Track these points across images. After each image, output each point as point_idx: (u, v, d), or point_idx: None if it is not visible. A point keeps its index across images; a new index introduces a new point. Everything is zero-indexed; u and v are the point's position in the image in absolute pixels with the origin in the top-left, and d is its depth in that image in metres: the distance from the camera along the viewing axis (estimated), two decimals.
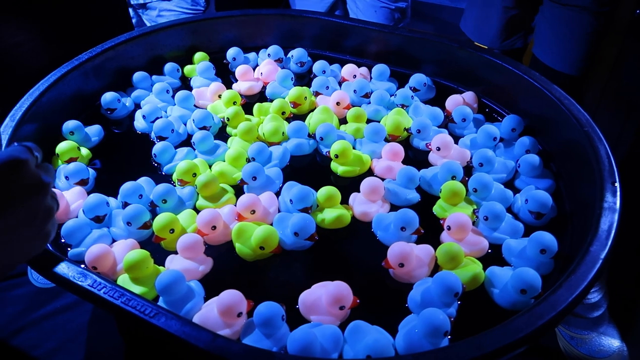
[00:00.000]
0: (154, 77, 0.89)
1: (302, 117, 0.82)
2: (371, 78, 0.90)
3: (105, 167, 0.75)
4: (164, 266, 0.59)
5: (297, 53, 0.92)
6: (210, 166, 0.72)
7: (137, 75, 0.87)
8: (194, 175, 0.67)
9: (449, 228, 0.60)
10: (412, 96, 0.82)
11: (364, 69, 0.91)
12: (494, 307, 0.55)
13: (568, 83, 1.32)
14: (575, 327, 0.74)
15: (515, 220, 0.63)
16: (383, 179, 0.69)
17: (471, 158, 0.71)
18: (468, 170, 0.71)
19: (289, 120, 0.80)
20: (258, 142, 0.73)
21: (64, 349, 0.68)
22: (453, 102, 0.81)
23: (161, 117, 0.79)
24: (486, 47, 1.68)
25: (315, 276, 0.58)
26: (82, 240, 0.61)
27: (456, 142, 0.75)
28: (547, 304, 0.45)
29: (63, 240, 0.61)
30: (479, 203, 0.65)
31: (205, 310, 0.53)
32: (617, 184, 0.57)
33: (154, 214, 0.64)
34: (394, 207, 0.67)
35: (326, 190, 0.64)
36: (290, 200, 0.64)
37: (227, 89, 0.86)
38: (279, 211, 0.66)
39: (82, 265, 0.54)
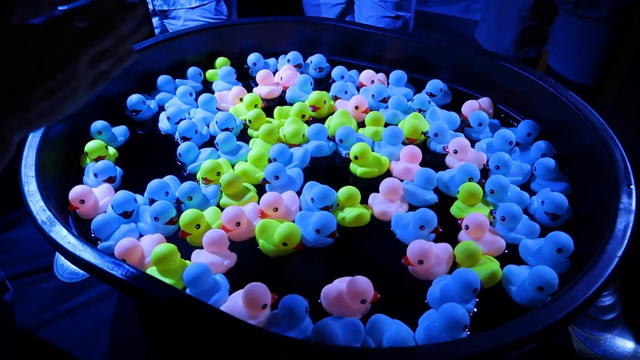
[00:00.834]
0: (177, 80, 0.92)
1: (322, 120, 0.84)
2: (388, 84, 0.92)
3: (131, 166, 0.77)
4: (189, 260, 0.61)
5: (316, 59, 0.95)
6: (232, 166, 0.74)
7: (161, 79, 0.90)
8: (218, 174, 0.70)
9: (467, 227, 0.62)
10: (429, 101, 0.84)
11: (381, 75, 0.93)
12: (511, 304, 0.56)
13: (582, 93, 1.34)
14: (590, 329, 0.75)
15: (532, 221, 0.64)
16: (401, 180, 0.71)
17: (488, 161, 0.73)
18: (485, 173, 0.73)
19: (308, 123, 0.82)
20: (279, 143, 0.75)
21: (87, 342, 0.70)
22: (469, 107, 0.83)
23: (185, 118, 0.81)
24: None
25: (336, 272, 0.59)
26: (111, 234, 0.63)
27: (472, 147, 0.77)
28: (565, 299, 0.47)
29: (93, 235, 0.64)
30: (495, 204, 0.67)
31: (231, 302, 0.55)
32: (632, 187, 0.58)
33: (180, 211, 0.66)
34: (412, 208, 0.68)
35: (347, 190, 0.66)
36: (312, 199, 0.65)
37: (248, 92, 0.88)
38: (300, 209, 0.68)
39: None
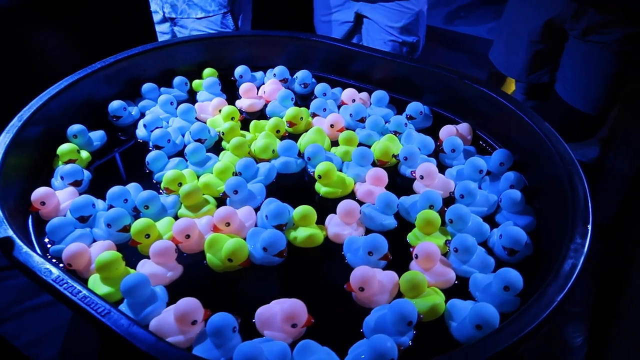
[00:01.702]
0: (162, 89, 0.94)
1: (297, 136, 0.84)
2: (371, 103, 0.91)
3: (102, 171, 0.79)
4: (134, 269, 0.61)
5: (301, 74, 0.95)
6: (198, 177, 0.74)
7: (146, 86, 0.91)
8: (180, 184, 0.70)
9: (416, 257, 0.60)
10: (405, 123, 0.82)
11: (364, 94, 0.92)
12: (450, 340, 0.54)
13: (587, 121, 1.30)
14: None
15: (487, 255, 0.62)
16: (363, 203, 0.70)
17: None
18: (451, 201, 0.71)
19: (284, 139, 0.82)
20: (246, 157, 0.75)
21: (42, 341, 0.71)
22: (446, 132, 0.81)
23: (161, 127, 0.82)
24: (514, 79, 1.68)
25: (280, 292, 0.58)
26: (64, 237, 0.64)
27: (444, 173, 0.75)
28: (489, 341, 0.45)
29: (47, 237, 0.65)
30: (454, 234, 0.65)
31: (163, 316, 0.55)
32: (589, 226, 0.56)
33: (138, 219, 0.66)
34: (370, 232, 0.67)
35: (302, 209, 0.65)
36: (266, 216, 0.65)
37: (231, 105, 0.89)
38: (256, 226, 0.67)
39: (54, 260, 0.57)
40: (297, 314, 0.53)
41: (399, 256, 0.63)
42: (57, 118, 0.80)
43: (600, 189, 0.97)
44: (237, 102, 0.92)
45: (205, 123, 0.84)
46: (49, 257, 0.63)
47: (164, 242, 0.61)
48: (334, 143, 0.83)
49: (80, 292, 0.50)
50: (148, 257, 0.62)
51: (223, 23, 1.38)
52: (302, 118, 0.84)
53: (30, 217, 0.69)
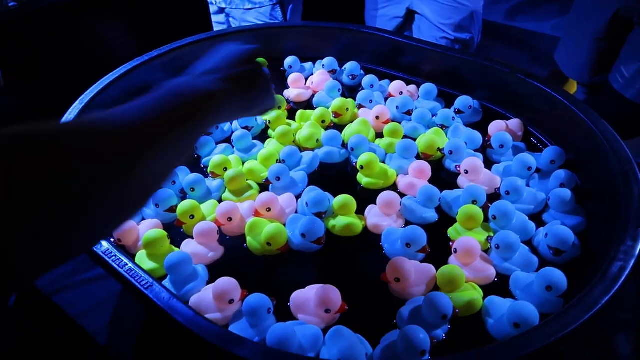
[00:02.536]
0: None
1: (342, 127, 0.84)
2: (418, 96, 0.90)
3: None
4: (179, 248, 0.64)
5: (349, 66, 0.95)
6: (243, 163, 0.76)
7: None
8: (225, 169, 0.72)
9: (455, 251, 0.59)
10: (452, 117, 0.81)
11: (412, 87, 0.91)
12: (486, 336, 0.53)
13: None
14: None
15: (531, 254, 0.60)
16: (404, 195, 0.69)
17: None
18: (497, 197, 0.69)
19: (329, 129, 0.83)
20: (290, 145, 0.76)
21: (94, 311, 0.75)
22: (495, 127, 0.79)
23: None
24: (575, 80, 1.61)
25: (316, 279, 0.59)
26: None
27: (490, 169, 0.74)
28: (522, 339, 0.43)
29: None
30: (497, 231, 0.63)
31: (202, 293, 0.57)
32: None
33: (184, 200, 0.69)
34: (410, 224, 0.66)
35: (342, 199, 0.65)
36: (306, 204, 0.66)
37: (279, 94, 0.90)
38: (297, 213, 0.68)
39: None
40: (331, 300, 0.53)
41: (438, 250, 0.62)
42: (115, 102, 0.84)
43: None
44: (285, 92, 0.93)
45: None
46: None
47: (207, 224, 0.63)
48: (380, 135, 0.83)
49: (127, 265, 0.52)
50: (192, 237, 0.64)
51: (272, 15, 1.40)
52: (347, 109, 0.84)
53: None
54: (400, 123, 0.82)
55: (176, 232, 0.67)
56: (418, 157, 0.76)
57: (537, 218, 0.66)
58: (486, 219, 0.64)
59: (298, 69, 0.98)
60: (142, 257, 0.62)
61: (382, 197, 0.66)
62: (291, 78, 0.93)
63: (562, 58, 1.55)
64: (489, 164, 0.75)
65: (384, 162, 0.76)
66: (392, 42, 0.95)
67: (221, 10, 1.45)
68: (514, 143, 0.77)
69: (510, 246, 0.58)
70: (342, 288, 0.55)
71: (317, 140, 0.78)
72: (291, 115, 0.87)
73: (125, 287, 0.52)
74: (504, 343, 0.45)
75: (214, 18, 1.47)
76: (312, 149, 0.78)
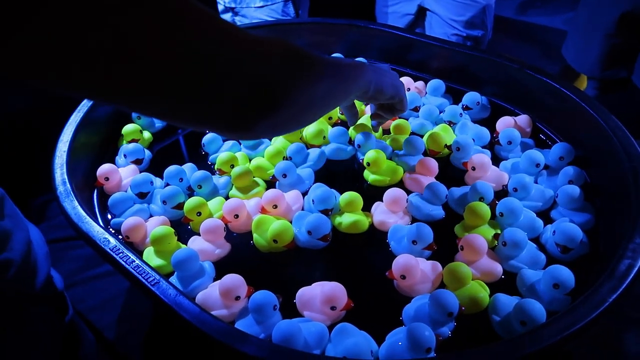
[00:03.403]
0: None
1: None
2: (426, 93, 0.89)
3: (162, 151, 0.83)
4: (186, 245, 0.64)
5: None
6: (250, 160, 0.77)
7: None
8: (232, 166, 0.72)
9: (461, 248, 0.59)
10: (460, 114, 0.80)
11: (420, 83, 0.90)
12: (492, 334, 0.53)
13: None
14: None
15: (538, 251, 0.60)
16: (411, 192, 0.69)
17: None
18: (504, 194, 0.69)
19: (336, 126, 0.82)
20: (297, 142, 0.76)
21: (102, 307, 0.76)
22: (503, 123, 0.78)
23: None
24: (587, 75, 1.59)
25: (322, 276, 0.59)
26: (124, 211, 0.68)
27: (498, 165, 0.73)
28: (528, 337, 0.43)
29: (109, 210, 0.69)
30: (504, 228, 0.63)
31: (209, 290, 0.57)
32: None
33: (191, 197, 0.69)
34: (416, 221, 0.66)
35: (348, 195, 0.65)
36: (313, 201, 0.66)
37: None
38: (303, 209, 0.68)
39: (114, 232, 0.61)
40: (336, 297, 0.53)
41: (444, 247, 0.62)
42: None
43: None
44: None
45: None
46: (110, 229, 0.68)
47: (213, 221, 0.63)
48: (386, 131, 0.82)
49: (134, 261, 0.53)
50: (199, 234, 0.65)
51: (284, 11, 1.40)
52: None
53: (96, 191, 0.74)
54: (407, 119, 0.82)
55: (183, 229, 0.68)
56: (425, 153, 0.76)
57: (545, 215, 0.66)
58: (493, 216, 0.64)
59: None
60: (149, 253, 0.62)
61: (389, 194, 0.66)
62: None
63: (571, 53, 1.53)
64: (496, 160, 0.75)
65: (390, 159, 0.75)
66: (400, 38, 0.94)
67: (228, 9, 1.45)
68: (522, 139, 0.76)
69: (517, 243, 0.58)
70: (348, 285, 0.55)
71: (324, 137, 0.78)
72: None
73: (133, 284, 0.52)
74: (510, 341, 0.45)
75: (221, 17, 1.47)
76: (319, 146, 0.78)
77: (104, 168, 0.72)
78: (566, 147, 0.70)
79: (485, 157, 0.70)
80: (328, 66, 0.48)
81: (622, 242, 0.52)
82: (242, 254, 0.65)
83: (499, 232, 0.62)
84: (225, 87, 0.37)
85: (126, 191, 0.72)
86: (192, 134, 0.87)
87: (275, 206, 0.65)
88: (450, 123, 0.80)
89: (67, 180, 0.65)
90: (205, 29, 0.35)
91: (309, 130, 0.78)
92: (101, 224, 0.65)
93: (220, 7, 1.45)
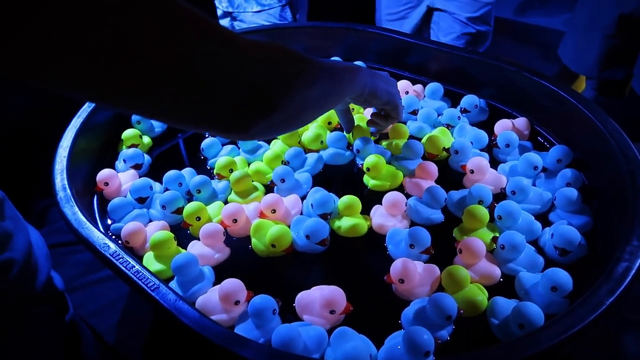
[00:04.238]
0: None
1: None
2: (424, 96, 0.89)
3: (161, 156, 0.83)
4: (186, 249, 0.64)
5: None
6: (249, 164, 0.77)
7: None
8: (231, 170, 0.73)
9: (460, 251, 0.59)
10: (458, 117, 0.81)
11: (418, 86, 0.91)
12: (490, 337, 0.53)
13: None
14: None
15: (536, 254, 0.60)
16: (410, 196, 0.69)
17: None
18: (503, 197, 0.69)
19: (335, 130, 0.83)
20: (295, 147, 0.76)
21: (102, 311, 0.76)
22: (502, 126, 0.79)
23: None
24: (585, 76, 1.60)
25: (321, 280, 0.59)
26: (124, 217, 0.68)
27: (496, 168, 0.73)
28: (526, 340, 0.43)
29: (108, 215, 0.70)
30: (502, 231, 0.63)
31: (209, 294, 0.57)
32: None
33: (190, 202, 0.70)
34: (415, 225, 0.66)
35: (347, 199, 0.66)
36: (312, 205, 0.66)
37: None
38: (302, 214, 0.69)
39: (114, 237, 0.61)
40: (336, 301, 0.54)
41: (443, 251, 0.62)
42: None
43: None
44: None
45: None
46: (110, 234, 0.68)
47: (213, 225, 0.64)
48: (385, 136, 0.82)
49: (134, 267, 0.53)
50: (198, 239, 0.65)
51: (281, 16, 1.41)
52: (352, 109, 0.84)
53: (96, 196, 0.74)
54: (405, 123, 0.82)
55: (183, 233, 0.68)
56: (424, 157, 0.76)
57: (543, 218, 0.66)
58: (492, 219, 0.64)
59: None
60: (149, 258, 0.62)
61: (388, 197, 0.66)
62: None
63: (568, 53, 1.53)
64: (494, 163, 0.75)
65: (389, 163, 0.76)
66: (398, 41, 0.94)
67: (226, 14, 1.46)
68: (520, 142, 0.76)
69: (515, 246, 0.58)
70: (347, 289, 0.55)
71: (322, 141, 0.78)
72: None
73: (133, 289, 0.53)
74: (509, 344, 0.45)
75: (219, 22, 1.48)
76: (317, 151, 0.78)
77: (104, 173, 0.72)
78: (564, 150, 0.71)
79: (483, 160, 0.70)
80: (323, 69, 0.49)
81: (619, 245, 0.52)
82: (241, 258, 0.65)
83: (497, 235, 0.62)
84: (224, 87, 0.37)
85: (125, 196, 0.72)
86: (191, 138, 0.87)
87: (274, 211, 0.66)
88: (448, 126, 0.81)
89: (67, 186, 0.65)
90: (205, 29, 0.36)
91: (307, 135, 0.79)
92: (101, 229, 0.65)
93: (219, 12, 1.46)
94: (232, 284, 0.55)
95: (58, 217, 0.65)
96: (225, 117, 0.40)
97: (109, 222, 0.70)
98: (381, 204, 0.67)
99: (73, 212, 0.61)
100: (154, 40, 0.32)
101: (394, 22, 1.52)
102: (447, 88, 0.89)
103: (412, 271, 0.56)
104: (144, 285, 0.51)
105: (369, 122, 0.77)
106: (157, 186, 0.73)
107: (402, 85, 0.90)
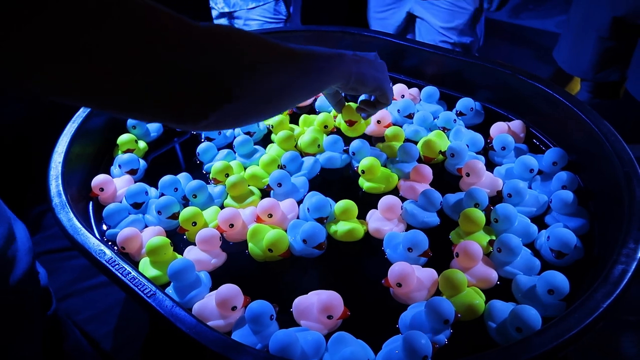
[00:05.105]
0: None
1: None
2: (420, 99, 0.89)
3: (157, 161, 0.83)
4: (182, 255, 0.64)
5: None
6: (245, 169, 0.77)
7: None
8: (227, 175, 0.72)
9: (457, 255, 0.59)
10: (454, 120, 0.81)
11: (414, 90, 0.91)
12: (488, 341, 0.53)
13: None
14: None
15: (533, 257, 0.60)
16: (406, 199, 0.69)
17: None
18: (499, 199, 0.69)
19: (331, 134, 0.83)
20: (292, 150, 0.76)
21: (98, 318, 0.76)
22: (497, 129, 0.79)
23: None
24: (579, 78, 1.60)
25: (318, 284, 0.59)
26: (119, 222, 0.68)
27: (493, 171, 0.73)
28: (523, 344, 0.43)
29: (104, 221, 0.69)
30: (499, 234, 0.63)
31: (205, 300, 0.57)
32: None
33: (186, 207, 0.69)
34: (411, 228, 0.66)
35: (343, 204, 0.66)
36: (308, 209, 0.66)
37: None
38: (298, 218, 0.68)
39: (109, 243, 0.61)
40: (333, 306, 0.53)
41: (440, 254, 0.62)
42: None
43: None
44: None
45: None
46: (106, 240, 0.68)
47: (209, 230, 0.63)
48: (381, 139, 0.83)
49: (130, 273, 0.53)
50: (195, 244, 0.65)
51: (276, 10, 1.41)
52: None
53: (91, 202, 0.74)
54: (401, 126, 0.82)
55: (179, 239, 0.67)
56: (420, 160, 0.76)
57: (539, 220, 0.66)
58: (488, 222, 0.64)
59: None
60: (145, 264, 0.62)
61: (384, 201, 0.66)
62: None
63: (563, 55, 1.54)
64: (490, 166, 0.75)
65: (385, 166, 0.76)
66: (394, 45, 0.94)
67: (222, 15, 1.46)
68: (516, 145, 0.76)
69: (512, 249, 0.58)
70: (344, 293, 0.55)
71: (319, 145, 0.78)
72: (294, 120, 0.87)
73: (129, 296, 0.52)
74: (506, 347, 0.45)
75: (215, 22, 1.48)
76: (314, 154, 0.78)
77: (99, 178, 0.72)
78: (559, 152, 0.71)
79: (479, 163, 0.70)
80: (294, 58, 0.47)
81: (616, 247, 0.52)
82: (238, 263, 0.65)
83: (494, 238, 0.62)
84: (174, 77, 0.37)
85: (121, 202, 0.72)
86: (186, 143, 0.87)
87: (271, 215, 0.66)
88: (444, 129, 0.81)
89: (62, 192, 0.65)
90: (150, 21, 0.35)
91: (303, 139, 0.78)
92: (97, 235, 0.65)
93: (215, 13, 1.46)
94: (229, 289, 0.55)
95: (53, 222, 0.65)
96: (176, 107, 0.39)
97: (105, 227, 0.69)
98: (377, 208, 0.67)
99: (68, 218, 0.61)
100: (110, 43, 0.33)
101: (379, 21, 1.52)
102: (442, 91, 0.89)
103: (409, 275, 0.56)
104: (140, 292, 0.51)
105: (358, 109, 0.76)
106: (152, 191, 0.73)
107: (398, 88, 0.90)
